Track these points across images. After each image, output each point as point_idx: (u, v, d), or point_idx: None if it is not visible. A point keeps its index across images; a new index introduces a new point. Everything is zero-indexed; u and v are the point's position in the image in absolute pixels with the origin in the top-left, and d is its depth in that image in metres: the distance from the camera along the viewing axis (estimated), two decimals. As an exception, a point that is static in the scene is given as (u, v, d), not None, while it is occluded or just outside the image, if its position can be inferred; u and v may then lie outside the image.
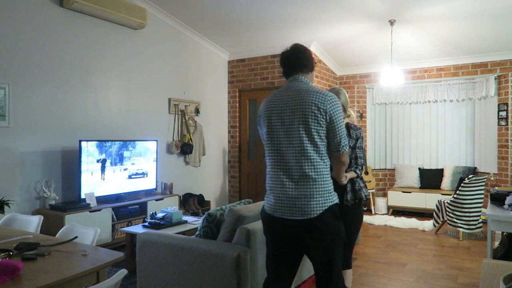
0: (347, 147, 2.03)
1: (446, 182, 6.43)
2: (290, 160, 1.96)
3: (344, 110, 2.66)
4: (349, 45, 6.15)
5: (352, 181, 2.60)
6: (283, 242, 2.06)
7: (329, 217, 1.94)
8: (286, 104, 1.99)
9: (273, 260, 2.11)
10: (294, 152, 1.95)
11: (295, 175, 1.95)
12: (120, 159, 4.58)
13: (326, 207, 1.93)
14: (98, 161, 4.33)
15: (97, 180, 4.31)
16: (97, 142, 4.35)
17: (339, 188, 2.27)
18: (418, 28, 5.37)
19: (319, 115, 1.92)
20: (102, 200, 4.40)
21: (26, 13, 3.95)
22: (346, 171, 2.32)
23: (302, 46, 2.15)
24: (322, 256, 2.00)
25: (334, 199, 2.00)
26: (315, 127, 1.92)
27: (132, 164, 4.73)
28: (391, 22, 5.17)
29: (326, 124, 1.94)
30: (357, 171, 2.60)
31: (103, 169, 4.38)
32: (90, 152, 4.25)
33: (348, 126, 2.67)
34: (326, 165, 1.99)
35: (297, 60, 2.09)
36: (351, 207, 2.59)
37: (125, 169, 4.64)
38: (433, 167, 6.81)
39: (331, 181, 2.02)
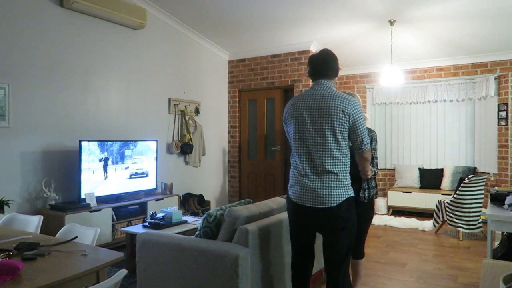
0: (369, 146, 2.30)
1: (446, 182, 6.43)
2: (315, 156, 2.22)
3: None
4: (349, 45, 6.14)
5: (367, 180, 2.79)
6: (306, 226, 2.36)
7: (346, 206, 2.23)
8: (314, 107, 2.24)
9: (300, 245, 2.44)
10: (320, 150, 2.21)
11: (319, 169, 2.22)
12: (121, 159, 4.58)
13: (344, 198, 2.21)
14: (100, 160, 4.33)
15: (99, 180, 4.31)
16: (97, 142, 4.35)
17: (355, 185, 2.49)
18: (418, 28, 5.37)
19: (343, 118, 2.18)
20: (102, 200, 4.40)
21: (26, 13, 3.95)
22: None
23: (329, 52, 2.37)
24: (337, 241, 2.28)
25: (351, 192, 2.27)
26: (340, 129, 2.18)
27: (133, 163, 4.73)
28: (391, 22, 5.17)
29: (349, 126, 2.20)
30: (374, 169, 2.76)
31: (105, 168, 4.38)
32: (91, 151, 4.25)
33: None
34: (346, 162, 2.25)
35: (323, 66, 2.32)
36: (367, 203, 2.82)
37: (126, 168, 4.64)
38: (433, 167, 6.81)
39: (349, 176, 2.28)
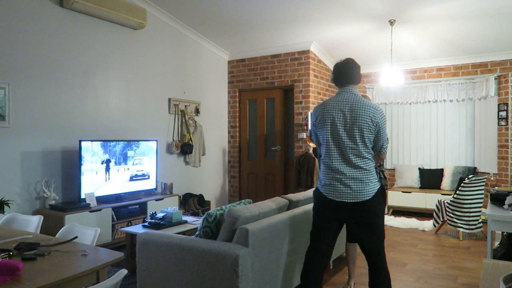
0: (387, 149, 2.64)
1: (446, 182, 6.43)
2: (347, 158, 2.51)
3: None
4: (349, 45, 6.14)
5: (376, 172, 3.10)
6: (332, 220, 2.60)
7: (377, 198, 2.56)
8: (346, 115, 2.52)
9: (317, 235, 2.66)
10: (351, 152, 2.51)
11: (352, 168, 2.51)
12: (121, 159, 4.58)
13: (375, 191, 2.54)
14: (102, 162, 4.33)
15: (99, 180, 4.31)
16: (97, 142, 4.35)
17: None
18: (418, 28, 5.37)
19: (372, 126, 2.50)
20: (102, 200, 4.40)
21: (26, 13, 3.95)
22: None
23: (352, 60, 2.66)
24: (370, 228, 2.57)
25: (378, 184, 2.61)
26: (367, 135, 2.50)
27: (133, 164, 4.73)
28: (391, 22, 5.17)
29: (375, 132, 2.51)
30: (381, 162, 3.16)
31: (107, 168, 4.38)
32: (92, 151, 4.24)
33: None
34: (372, 158, 2.58)
35: (348, 73, 2.60)
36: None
37: (127, 168, 4.64)
38: (433, 167, 6.81)
39: (375, 170, 2.62)
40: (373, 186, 2.53)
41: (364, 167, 2.51)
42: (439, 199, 5.27)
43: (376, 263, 2.60)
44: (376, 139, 2.54)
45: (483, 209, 4.57)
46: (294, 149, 6.39)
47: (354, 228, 2.62)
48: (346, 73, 2.59)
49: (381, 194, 2.61)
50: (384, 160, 3.18)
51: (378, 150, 2.58)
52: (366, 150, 2.52)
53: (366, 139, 2.50)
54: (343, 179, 2.51)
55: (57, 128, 4.22)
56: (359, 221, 2.55)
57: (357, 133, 2.49)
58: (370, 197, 2.50)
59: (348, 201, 2.51)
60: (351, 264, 3.37)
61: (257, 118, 6.78)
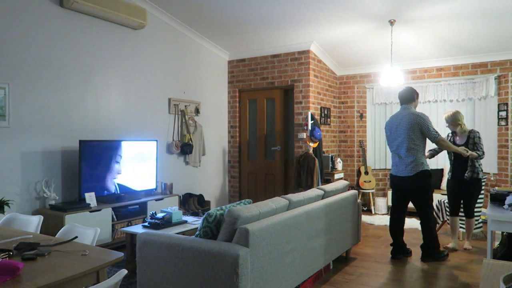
0: (437, 136, 3.95)
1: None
2: (401, 149, 4.02)
3: (459, 124, 4.36)
4: (349, 45, 6.14)
5: (473, 165, 4.23)
6: (400, 189, 4.15)
7: (421, 176, 3.97)
8: (397, 124, 4.06)
9: (396, 200, 4.25)
10: (402, 146, 3.99)
11: (402, 156, 4.01)
12: (121, 159, 4.58)
13: (419, 171, 3.96)
14: (101, 160, 4.32)
15: (99, 180, 4.31)
16: (97, 142, 4.35)
17: (462, 168, 4.29)
18: (418, 28, 5.37)
19: (413, 127, 3.93)
20: (102, 200, 4.40)
21: (26, 13, 3.95)
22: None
23: (407, 89, 4.18)
24: (418, 197, 4.07)
25: (425, 167, 3.99)
26: (414, 132, 3.93)
27: (133, 164, 4.73)
28: (391, 22, 5.17)
29: (419, 130, 3.93)
30: (478, 152, 4.16)
31: (106, 168, 4.38)
32: (91, 150, 4.24)
33: (470, 132, 4.32)
34: (419, 149, 3.97)
35: (404, 97, 4.14)
36: (469, 182, 4.26)
37: (126, 168, 4.63)
38: (433, 167, 6.79)
39: (423, 157, 4.02)
40: (417, 167, 3.93)
41: (410, 155, 3.94)
42: (439, 199, 5.26)
43: (422, 219, 4.09)
44: (425, 133, 3.92)
45: (483, 209, 4.57)
46: (294, 149, 6.39)
47: (411, 196, 4.12)
48: (401, 97, 4.14)
49: (427, 175, 3.96)
50: (480, 152, 4.18)
51: (432, 140, 3.95)
52: (413, 143, 3.92)
53: (412, 135, 3.91)
54: (399, 162, 4.05)
55: (57, 128, 4.22)
56: (411, 191, 4.05)
57: (404, 134, 3.93)
58: (413, 174, 3.93)
59: (402, 175, 4.03)
60: (453, 231, 4.55)
61: (257, 118, 6.78)
